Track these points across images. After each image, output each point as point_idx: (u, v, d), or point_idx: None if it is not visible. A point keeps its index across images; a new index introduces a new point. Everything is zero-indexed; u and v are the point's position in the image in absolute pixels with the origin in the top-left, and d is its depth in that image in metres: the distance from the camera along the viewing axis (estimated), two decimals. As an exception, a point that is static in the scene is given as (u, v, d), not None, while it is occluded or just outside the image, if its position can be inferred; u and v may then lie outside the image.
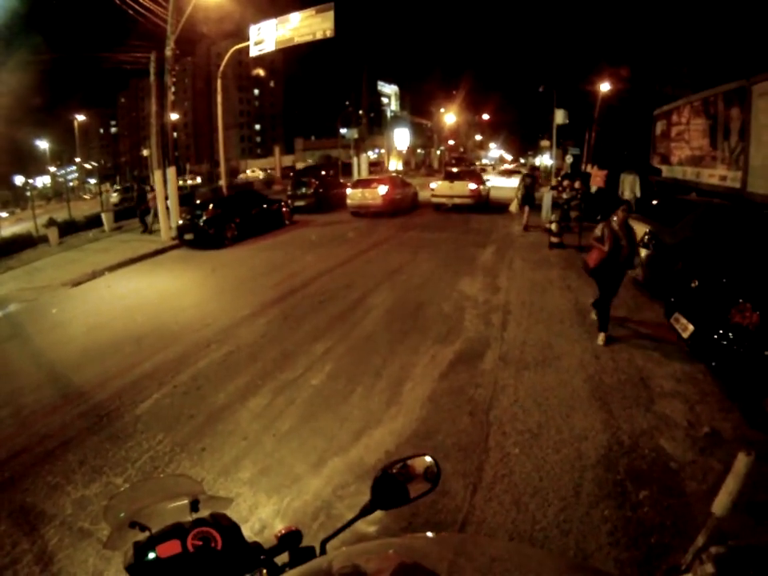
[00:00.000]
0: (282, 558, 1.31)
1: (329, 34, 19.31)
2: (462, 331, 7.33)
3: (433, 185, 21.31)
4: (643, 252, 8.38)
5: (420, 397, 5.47)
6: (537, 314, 7.88)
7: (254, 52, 21.24)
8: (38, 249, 18.47)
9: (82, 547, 3.80)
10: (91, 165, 72.43)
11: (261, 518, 3.81)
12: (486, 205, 20.87)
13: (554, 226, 13.01)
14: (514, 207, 17.74)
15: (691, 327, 5.64)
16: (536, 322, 7.57)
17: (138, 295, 11.06)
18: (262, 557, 1.24)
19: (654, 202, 10.57)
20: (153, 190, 18.55)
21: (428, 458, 1.31)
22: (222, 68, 21.47)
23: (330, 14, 19.26)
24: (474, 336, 7.14)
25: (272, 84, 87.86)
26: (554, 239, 12.76)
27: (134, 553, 1.20)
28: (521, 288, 9.30)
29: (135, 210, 19.28)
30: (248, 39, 21.23)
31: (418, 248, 13.37)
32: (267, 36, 20.68)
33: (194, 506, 1.33)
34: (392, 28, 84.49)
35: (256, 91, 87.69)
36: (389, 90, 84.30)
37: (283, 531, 1.30)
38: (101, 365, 7.16)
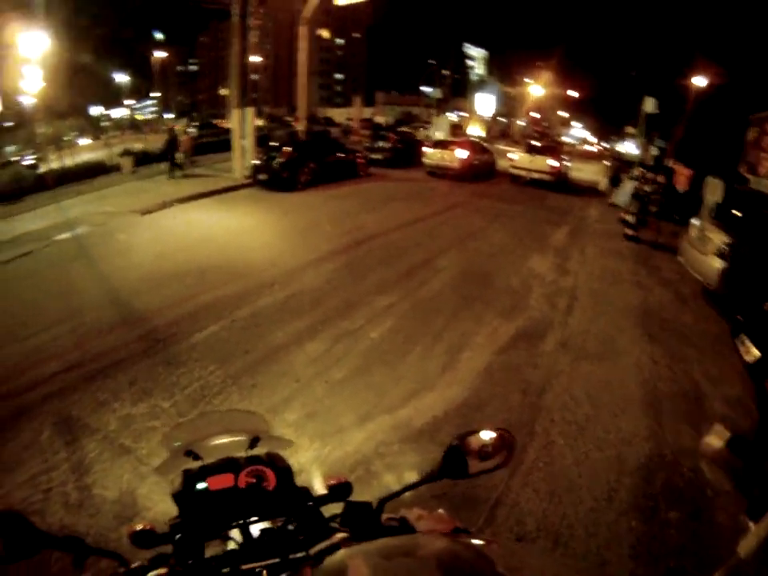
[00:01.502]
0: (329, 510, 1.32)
1: None
2: (526, 308, 7.42)
3: (512, 155, 21.44)
4: (718, 263, 7.98)
5: (476, 367, 5.56)
6: (603, 305, 7.90)
7: (340, 1, 21.18)
8: (110, 176, 19.77)
9: (120, 463, 4.04)
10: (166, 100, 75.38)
11: (299, 461, 3.88)
12: (564, 184, 20.75)
13: (630, 218, 13.04)
14: (603, 185, 17.19)
15: (756, 352, 5.36)
16: (601, 313, 7.57)
17: (206, 229, 11.54)
18: (309, 503, 1.26)
19: (737, 213, 9.97)
20: (186, 133, 19.10)
21: (505, 435, 1.32)
22: (305, 15, 21.48)
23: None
24: (538, 316, 7.21)
25: (356, 35, 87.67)
26: (630, 231, 13.05)
27: (183, 481, 1.24)
28: (590, 275, 9.37)
29: (167, 153, 19.92)
30: None
31: (492, 217, 13.44)
32: None
33: (253, 443, 1.37)
34: None
35: (340, 41, 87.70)
36: (476, 52, 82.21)
37: (334, 482, 1.31)
38: (162, 292, 7.57)
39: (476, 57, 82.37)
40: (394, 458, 3.96)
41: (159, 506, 3.54)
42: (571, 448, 4.24)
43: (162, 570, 1.12)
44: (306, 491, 1.30)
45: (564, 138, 63.81)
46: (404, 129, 31.10)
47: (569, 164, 22.33)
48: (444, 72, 59.05)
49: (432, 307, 7.08)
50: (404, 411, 4.63)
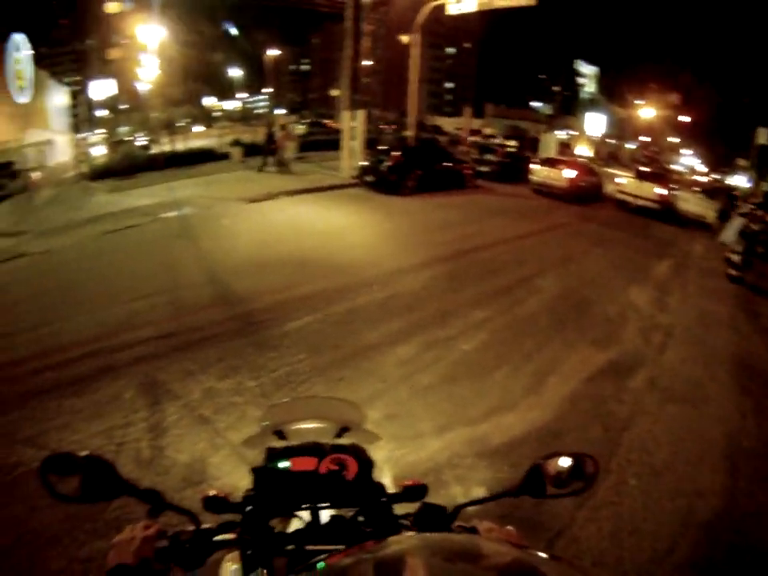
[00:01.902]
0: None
1: (530, 1, 18.81)
2: (619, 340, 7.22)
3: (619, 180, 20.85)
4: None
5: (561, 393, 5.47)
6: (697, 347, 7.48)
7: (453, 10, 21.31)
8: (219, 164, 20.87)
9: (197, 431, 4.21)
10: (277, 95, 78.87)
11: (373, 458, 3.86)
12: (671, 214, 19.79)
13: (736, 257, 11.96)
14: (711, 219, 16.57)
15: None
16: (694, 355, 7.15)
17: (310, 223, 11.95)
18: (383, 499, 1.31)
19: None
20: (284, 129, 19.60)
21: (589, 462, 1.31)
22: (418, 22, 21.73)
23: (533, -21, 18.72)
24: (631, 349, 6.98)
25: (467, 45, 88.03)
26: (734, 272, 11.98)
27: (266, 457, 1.30)
28: (688, 314, 8.93)
29: (263, 148, 20.51)
30: None
31: (594, 242, 13.14)
32: None
33: (341, 432, 1.42)
34: (601, 3, 78.89)
35: (451, 50, 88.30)
36: (587, 69, 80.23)
37: (409, 483, 1.36)
38: (261, 279, 7.96)
39: (587, 74, 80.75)
40: (466, 471, 3.98)
41: (227, 477, 3.65)
42: (642, 491, 4.10)
43: (230, 536, 1.20)
44: (382, 487, 1.34)
45: (673, 166, 61.39)
46: (508, 143, 30.82)
47: (677, 193, 21.47)
48: (554, 88, 58.24)
49: (525, 327, 7.06)
50: (483, 426, 4.65)
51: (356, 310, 6.93)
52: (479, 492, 3.63)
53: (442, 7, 20.88)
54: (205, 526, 1.20)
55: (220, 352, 5.50)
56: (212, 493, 1.24)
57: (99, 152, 26.86)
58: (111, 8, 27.69)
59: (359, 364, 5.50)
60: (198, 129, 38.54)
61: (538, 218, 15.43)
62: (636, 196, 19.47)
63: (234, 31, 54.76)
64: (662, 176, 21.80)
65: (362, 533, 1.21)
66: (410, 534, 1.17)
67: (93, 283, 7.79)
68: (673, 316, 8.65)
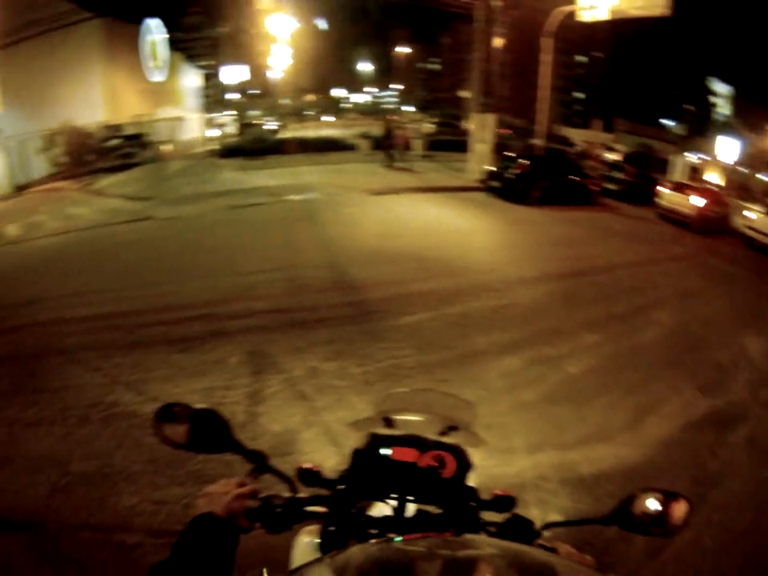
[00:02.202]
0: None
1: (664, 11, 17.88)
2: (727, 390, 6.67)
3: (749, 214, 19.07)
4: None
5: (657, 435, 5.17)
6: None
7: (584, 17, 20.68)
8: (345, 154, 21.52)
9: (294, 406, 4.35)
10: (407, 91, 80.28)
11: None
12: None
13: None
14: None
15: None
16: None
17: (432, 222, 12.08)
18: (473, 503, 1.32)
19: None
20: (401, 127, 19.64)
21: (684, 504, 1.28)
22: (548, 27, 21.27)
23: (666, -11, 17.80)
24: (737, 401, 6.42)
25: (598, 54, 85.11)
26: None
27: (369, 441, 1.35)
28: None
29: (382, 142, 20.65)
30: (577, 1, 20.74)
31: (717, 279, 12.21)
32: (600, 2, 19.97)
33: (448, 429, 1.47)
34: (742, 18, 72.90)
35: (581, 58, 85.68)
36: (722, 89, 75.05)
37: (500, 492, 1.36)
38: (379, 269, 8.13)
39: (721, 93, 75.94)
40: (548, 495, 3.89)
41: (314, 454, 3.74)
42: (717, 555, 3.81)
43: (321, 509, 1.25)
44: (474, 491, 1.35)
45: None
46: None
47: None
48: (686, 106, 55.15)
49: (634, 358, 6.74)
50: (574, 454, 4.52)
51: (469, 314, 6.89)
52: (555, 518, 3.58)
53: (573, 14, 20.52)
54: (300, 494, 1.25)
55: (330, 334, 5.66)
56: (307, 465, 1.30)
57: (229, 132, 28.26)
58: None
59: (465, 368, 5.48)
60: (327, 119, 39.69)
61: (660, 246, 14.76)
62: (765, 234, 18.18)
63: (323, 25, 56.10)
64: None
65: (445, 529, 1.20)
66: (488, 539, 1.18)
67: (214, 252, 8.34)
68: (789, 374, 8.06)
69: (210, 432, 1.25)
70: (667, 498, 1.27)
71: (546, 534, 1.30)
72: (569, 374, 5.92)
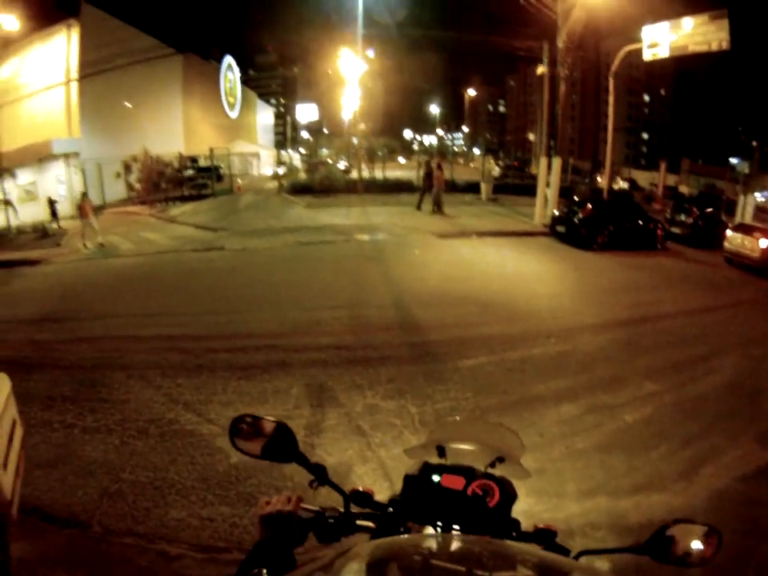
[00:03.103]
0: None
1: (724, 45, 17.58)
2: None
3: None
4: None
5: (711, 487, 5.00)
6: None
7: (647, 55, 20.58)
8: (414, 195, 21.66)
9: (351, 440, 4.42)
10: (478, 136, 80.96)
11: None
12: None
13: None
14: None
15: None
16: None
17: (498, 266, 12.15)
18: (514, 534, 1.39)
19: None
20: (440, 169, 19.40)
21: (713, 533, 1.32)
22: (613, 67, 21.24)
23: (725, 23, 17.52)
24: None
25: (662, 92, 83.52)
26: None
27: (421, 468, 1.42)
28: None
29: (423, 186, 20.68)
30: (639, 39, 20.67)
31: None
32: (661, 39, 19.87)
33: (496, 461, 1.50)
34: None
35: (646, 97, 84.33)
36: None
37: (542, 525, 1.45)
38: (443, 312, 8.19)
39: None
40: (594, 542, 3.77)
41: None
42: None
43: (369, 524, 1.34)
44: (517, 522, 1.41)
45: None
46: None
47: None
48: (753, 143, 53.29)
49: (693, 408, 6.53)
50: (625, 502, 4.45)
51: (530, 359, 6.86)
52: (600, 565, 3.55)
53: (636, 52, 20.49)
54: (354, 510, 1.35)
55: (391, 373, 5.75)
56: (360, 488, 1.40)
57: (301, 169, 29.07)
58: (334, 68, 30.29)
59: (521, 413, 5.45)
60: (400, 160, 40.47)
61: (725, 291, 14.33)
62: None
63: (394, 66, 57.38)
64: None
65: None
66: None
67: (282, 286, 8.64)
68: None
69: (279, 444, 1.33)
70: (698, 530, 1.30)
71: (582, 561, 1.33)
72: (626, 422, 5.83)
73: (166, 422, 4.26)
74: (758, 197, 44.57)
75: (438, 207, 18.83)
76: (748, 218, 26.88)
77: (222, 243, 11.69)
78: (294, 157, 34.57)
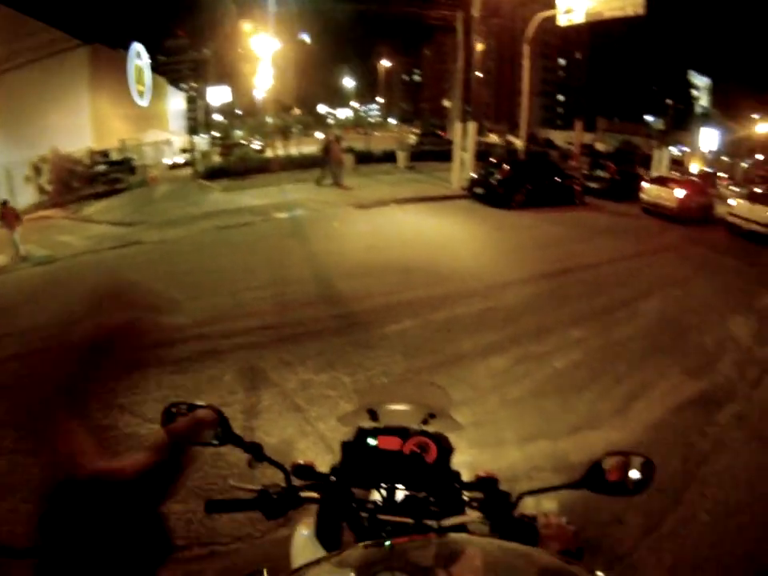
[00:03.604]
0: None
1: (639, 11, 18.32)
2: (713, 372, 6.82)
3: (731, 201, 19.30)
4: None
5: (646, 420, 5.36)
6: None
7: (562, 21, 21.16)
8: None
9: (288, 417, 4.52)
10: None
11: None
12: None
13: None
14: None
15: None
16: None
17: (417, 231, 12.33)
18: (456, 485, 1.43)
19: None
20: (338, 142, 19.40)
21: (645, 461, 1.41)
22: (528, 33, 21.66)
23: (641, -11, 18.24)
24: (723, 382, 6.57)
25: (578, 56, 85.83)
26: None
27: (356, 434, 1.46)
28: None
29: (322, 160, 20.65)
30: (555, 6, 21.15)
31: (700, 267, 12.36)
32: (576, 6, 20.41)
33: (428, 418, 1.55)
34: (715, 11, 73.21)
35: (561, 61, 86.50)
36: (700, 81, 75.90)
37: (483, 474, 1.49)
38: (366, 282, 8.33)
39: (700, 86, 76.66)
40: (541, 484, 3.94)
41: None
42: (712, 529, 3.96)
43: (314, 494, 1.37)
44: (457, 474, 1.45)
45: None
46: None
47: None
48: (667, 101, 55.68)
49: (620, 350, 6.92)
50: (565, 443, 4.69)
51: (455, 318, 7.06)
52: (550, 506, 3.67)
53: (551, 18, 20.88)
54: (295, 482, 1.38)
55: (319, 347, 5.84)
56: (301, 461, 1.43)
57: (214, 153, 28.49)
58: (246, 29, 29.45)
59: (452, 371, 5.63)
60: (320, 135, 40.09)
61: (644, 239, 14.96)
62: (747, 219, 18.22)
63: (306, 41, 56.60)
64: None
65: (431, 512, 1.33)
66: (467, 536, 1.26)
67: (203, 273, 8.53)
68: (774, 353, 8.20)
69: (211, 427, 1.30)
70: (631, 460, 1.38)
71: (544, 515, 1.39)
72: (555, 368, 6.12)
73: (102, 429, 4.21)
74: (674, 150, 46.46)
75: (337, 180, 18.60)
76: (664, 171, 28.02)
77: (138, 237, 11.41)
78: (201, 142, 33.69)
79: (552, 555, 1.14)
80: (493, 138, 41.27)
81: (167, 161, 29.39)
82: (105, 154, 25.70)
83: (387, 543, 1.03)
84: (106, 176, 23.17)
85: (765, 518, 4.25)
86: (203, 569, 2.98)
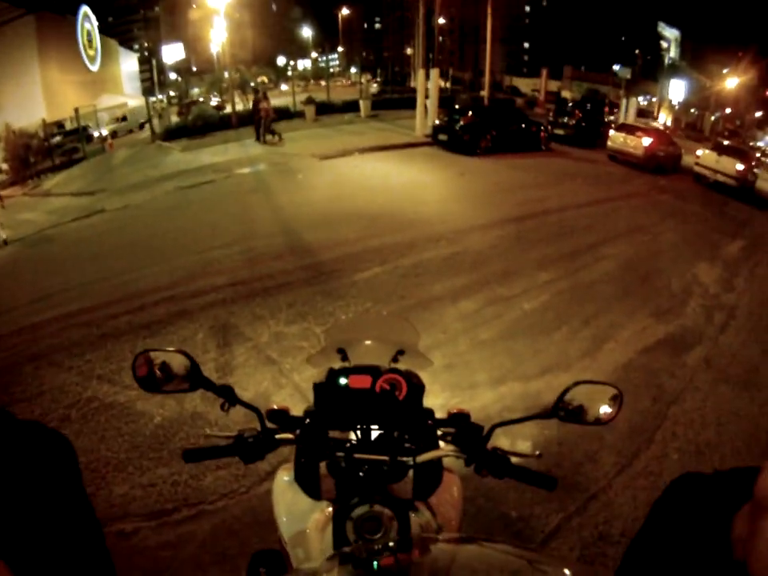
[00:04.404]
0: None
1: None
2: (680, 315, 7.00)
3: (699, 152, 19.68)
4: None
5: (615, 361, 5.50)
6: (760, 332, 7.11)
7: None
8: (293, 122, 21.62)
9: (263, 371, 4.60)
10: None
11: (426, 404, 4.10)
12: (749, 192, 18.56)
13: None
14: None
15: None
16: (755, 339, 6.82)
17: (382, 179, 12.36)
18: (429, 422, 1.45)
19: None
20: (266, 98, 19.06)
21: (614, 392, 1.42)
22: None
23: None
24: (690, 325, 6.76)
25: (544, 3, 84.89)
26: None
27: (328, 375, 1.45)
28: (754, 297, 8.42)
29: (253, 116, 20.35)
30: None
31: (666, 213, 12.67)
32: None
33: (397, 355, 1.59)
34: None
35: (527, 8, 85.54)
36: (669, 33, 75.53)
37: (455, 410, 1.50)
38: (332, 231, 8.40)
39: (670, 38, 76.42)
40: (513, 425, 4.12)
41: None
42: (683, 466, 4.09)
43: (289, 436, 1.38)
44: (430, 412, 1.47)
45: (758, 143, 57.18)
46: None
47: (757, 171, 20.26)
48: (635, 52, 55.69)
49: (588, 292, 7.07)
50: (536, 383, 4.82)
51: (423, 264, 7.16)
52: (524, 446, 3.82)
53: None
54: (269, 425, 1.39)
55: (290, 299, 5.92)
56: (275, 406, 1.45)
57: (172, 113, 27.88)
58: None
59: (422, 315, 5.72)
60: (284, 87, 39.27)
61: (611, 185, 15.13)
62: (714, 170, 18.68)
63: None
64: (742, 151, 20.58)
65: (406, 449, 1.37)
66: (446, 545, 1.15)
67: (169, 235, 8.53)
68: (738, 298, 8.35)
69: (181, 373, 1.32)
70: (599, 389, 1.40)
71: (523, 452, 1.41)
72: (524, 310, 6.25)
73: (84, 401, 4.21)
74: (640, 100, 46.50)
75: (273, 134, 18.25)
76: (631, 120, 28.19)
77: (101, 206, 11.25)
78: (165, 100, 32.92)
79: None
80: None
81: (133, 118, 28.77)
82: (60, 124, 25.08)
83: (374, 565, 0.95)
84: (62, 147, 22.61)
85: (734, 457, 4.40)
86: (194, 530, 3.05)
